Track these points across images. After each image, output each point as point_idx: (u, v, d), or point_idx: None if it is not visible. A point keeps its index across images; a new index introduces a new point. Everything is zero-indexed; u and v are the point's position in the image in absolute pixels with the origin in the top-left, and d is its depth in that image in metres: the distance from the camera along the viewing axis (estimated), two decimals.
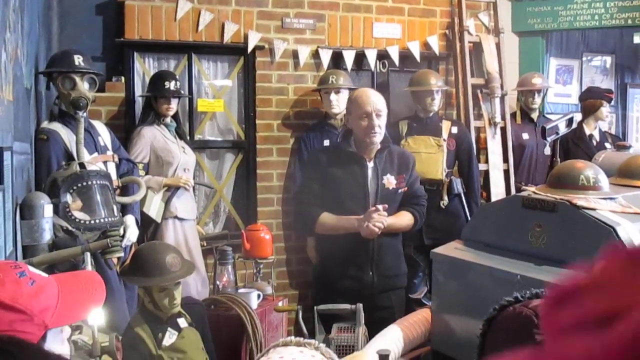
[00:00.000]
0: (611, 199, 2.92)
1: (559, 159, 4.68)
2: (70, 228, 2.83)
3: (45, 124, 3.62)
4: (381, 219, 3.47)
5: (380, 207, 3.46)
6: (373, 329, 3.18)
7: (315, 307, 3.25)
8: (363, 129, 3.55)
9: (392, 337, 3.06)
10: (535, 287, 2.64)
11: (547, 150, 5.35)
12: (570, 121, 4.59)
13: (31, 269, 1.28)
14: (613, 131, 6.64)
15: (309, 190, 3.73)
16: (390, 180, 3.61)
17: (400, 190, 3.65)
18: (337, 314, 3.27)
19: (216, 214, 5.12)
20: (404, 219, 3.67)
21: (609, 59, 6.99)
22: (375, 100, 3.59)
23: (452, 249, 3.22)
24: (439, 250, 3.26)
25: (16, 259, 2.48)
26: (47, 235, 2.61)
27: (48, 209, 2.64)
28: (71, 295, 1.32)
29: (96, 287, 1.43)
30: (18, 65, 2.80)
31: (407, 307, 4.74)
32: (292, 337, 1.66)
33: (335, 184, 3.59)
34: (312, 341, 1.64)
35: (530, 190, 3.09)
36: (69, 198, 2.99)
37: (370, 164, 3.62)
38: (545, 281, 2.66)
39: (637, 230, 2.70)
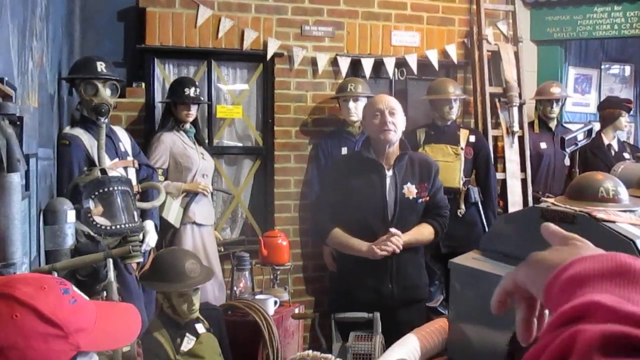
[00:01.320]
0: (631, 211, 2.91)
1: (577, 170, 4.66)
2: (92, 233, 2.86)
3: (67, 129, 3.67)
4: (397, 244, 3.38)
5: (395, 231, 3.38)
6: (391, 341, 3.18)
7: (332, 315, 3.26)
8: (376, 126, 3.44)
9: (409, 346, 3.07)
10: None
11: (567, 161, 5.33)
12: (589, 132, 4.57)
13: (74, 288, 1.28)
14: (632, 141, 6.60)
15: (325, 200, 3.67)
16: (410, 190, 3.47)
17: (421, 200, 3.50)
18: (355, 322, 3.28)
19: (233, 219, 5.15)
20: (425, 233, 3.53)
21: (628, 68, 6.96)
22: (387, 99, 3.55)
23: (470, 259, 3.21)
24: (457, 260, 3.25)
25: (39, 264, 2.51)
26: (70, 241, 2.65)
27: (71, 215, 2.67)
28: (107, 323, 1.31)
29: (133, 320, 1.41)
30: (43, 72, 2.85)
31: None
32: (309, 351, 1.67)
33: (353, 193, 3.47)
34: (329, 356, 1.65)
35: (549, 202, 3.08)
36: (91, 204, 3.02)
37: (390, 172, 3.49)
38: None
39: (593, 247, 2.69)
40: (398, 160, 3.48)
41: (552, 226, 0.94)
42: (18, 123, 1.73)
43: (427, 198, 3.53)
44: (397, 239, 3.39)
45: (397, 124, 3.45)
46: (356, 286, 3.57)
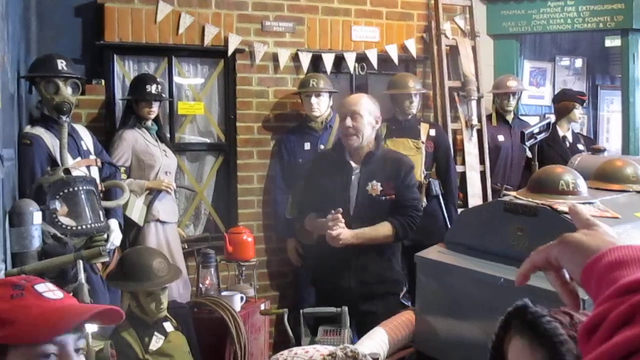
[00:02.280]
0: (590, 203, 3.01)
1: (537, 162, 4.77)
2: (58, 234, 2.83)
3: (27, 129, 3.61)
4: (336, 224, 3.42)
5: (338, 212, 3.43)
6: (359, 334, 3.23)
7: (301, 311, 3.28)
8: (341, 129, 3.63)
9: (378, 339, 3.12)
10: (518, 290, 2.72)
11: (528, 153, 5.45)
12: (547, 126, 4.69)
13: (50, 288, 1.28)
14: (585, 132, 6.78)
15: (304, 196, 3.85)
16: (375, 187, 3.53)
17: (385, 198, 3.54)
18: (323, 317, 3.31)
19: (197, 216, 5.13)
20: (380, 230, 3.52)
21: (580, 61, 7.14)
22: (351, 103, 3.61)
23: (436, 252, 3.28)
24: (422, 253, 3.31)
25: (6, 267, 2.48)
26: (37, 242, 2.62)
27: (37, 216, 2.64)
28: (39, 317, 1.29)
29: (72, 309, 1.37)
30: (5, 72, 2.80)
31: None
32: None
33: (322, 189, 3.61)
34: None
35: (511, 195, 3.16)
36: (57, 204, 2.99)
37: (357, 170, 3.58)
38: (527, 284, 2.74)
39: (615, 234, 2.78)
40: (367, 157, 3.56)
41: (578, 207, 1.08)
42: None
43: (394, 196, 3.55)
44: (337, 219, 3.43)
45: (360, 127, 3.51)
46: (319, 280, 3.73)
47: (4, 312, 1.24)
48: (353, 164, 3.59)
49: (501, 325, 1.57)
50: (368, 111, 3.55)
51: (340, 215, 3.45)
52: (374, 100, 3.70)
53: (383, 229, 3.54)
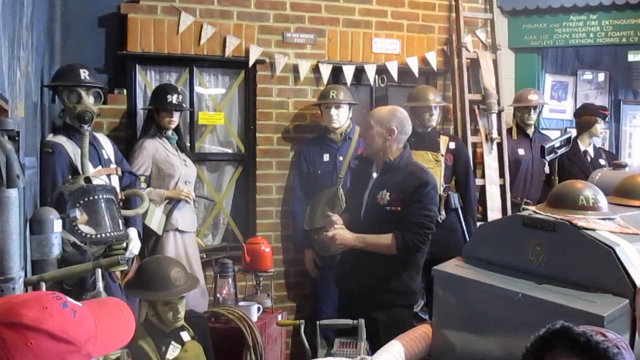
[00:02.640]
0: (610, 219, 2.98)
1: (557, 177, 4.73)
2: (77, 242, 2.85)
3: (50, 137, 3.65)
4: (331, 226, 3.62)
5: (335, 217, 3.67)
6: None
7: (317, 322, 3.29)
8: None
9: (394, 352, 3.10)
10: (536, 305, 2.69)
11: (546, 169, 5.41)
12: (568, 140, 4.65)
13: (68, 299, 1.29)
14: (606, 147, 6.72)
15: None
16: (383, 196, 3.57)
17: (390, 208, 3.56)
18: (339, 329, 3.31)
19: (215, 226, 5.15)
20: (382, 239, 3.55)
21: (602, 75, 7.08)
22: (369, 112, 3.92)
23: (453, 266, 3.26)
24: (440, 267, 3.30)
25: (26, 274, 2.50)
26: (56, 250, 2.64)
27: (57, 224, 2.67)
28: (106, 324, 1.34)
29: (126, 315, 1.44)
30: (29, 81, 2.84)
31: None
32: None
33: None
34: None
35: (530, 210, 3.14)
36: (77, 213, 3.02)
37: (375, 176, 3.69)
38: (545, 300, 2.72)
39: (635, 250, 2.76)
40: (385, 167, 3.65)
41: None
42: (17, 138, 1.73)
43: (398, 208, 3.54)
44: (334, 221, 3.65)
45: (365, 136, 3.74)
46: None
47: None
48: (374, 173, 3.70)
49: (540, 344, 1.57)
50: (379, 122, 3.64)
51: (335, 219, 3.65)
52: (401, 114, 3.72)
53: (384, 239, 3.55)
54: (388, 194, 3.57)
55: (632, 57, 6.61)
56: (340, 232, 3.60)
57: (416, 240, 3.54)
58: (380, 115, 3.69)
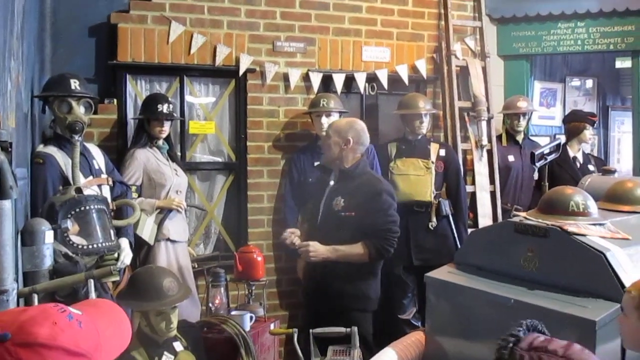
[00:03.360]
0: (600, 224, 3.01)
1: (547, 183, 4.76)
2: (69, 253, 2.84)
3: (40, 148, 3.63)
4: (291, 239, 3.87)
5: (293, 231, 3.93)
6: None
7: (310, 330, 3.29)
8: None
9: None
10: (528, 311, 2.71)
11: (536, 175, 5.44)
12: (557, 146, 4.68)
13: (70, 309, 1.30)
14: (595, 153, 6.77)
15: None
16: (338, 202, 3.78)
17: (345, 214, 3.75)
18: (332, 337, 3.31)
19: (207, 235, 5.14)
20: (355, 249, 3.73)
21: (590, 82, 7.14)
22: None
23: (446, 273, 3.28)
24: (433, 273, 3.31)
25: (17, 286, 2.49)
26: (48, 261, 2.63)
27: (49, 235, 2.66)
28: (106, 329, 1.35)
29: (121, 317, 1.45)
30: (19, 92, 2.83)
31: (396, 328, 4.80)
32: None
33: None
34: None
35: (522, 216, 3.16)
36: (69, 223, 3.01)
37: (332, 183, 3.88)
38: (537, 305, 2.73)
39: (626, 255, 2.78)
40: (341, 175, 3.86)
41: None
42: (10, 149, 1.73)
43: (352, 214, 3.74)
44: (290, 235, 3.92)
45: (327, 144, 3.91)
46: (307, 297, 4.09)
47: None
48: (331, 182, 3.89)
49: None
50: (337, 132, 3.86)
51: (291, 231, 3.97)
52: (358, 126, 3.93)
53: (357, 249, 3.74)
54: (343, 200, 3.77)
55: (619, 63, 6.68)
56: (313, 245, 3.76)
57: (386, 246, 3.74)
58: (338, 126, 3.93)
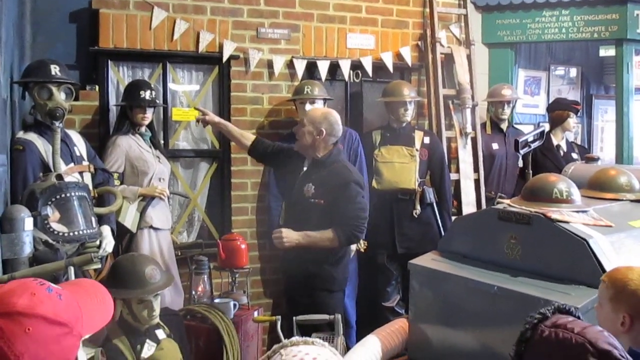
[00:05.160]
0: (583, 211, 3.02)
1: (530, 171, 4.77)
2: (50, 241, 2.81)
3: (20, 134, 3.58)
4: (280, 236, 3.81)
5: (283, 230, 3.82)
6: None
7: (294, 318, 3.28)
8: None
9: (371, 347, 3.11)
10: (511, 298, 2.72)
11: (520, 163, 5.45)
12: (541, 134, 4.69)
13: (50, 283, 1.32)
14: (579, 141, 6.80)
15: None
16: (308, 189, 3.84)
17: (314, 201, 3.81)
18: (316, 324, 3.31)
19: (190, 223, 5.11)
20: (325, 235, 3.78)
21: (574, 70, 7.16)
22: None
23: (429, 260, 3.28)
24: (416, 261, 3.32)
25: None
26: (28, 249, 2.60)
27: (29, 222, 2.62)
28: (87, 304, 1.37)
29: (103, 294, 1.48)
30: None
31: (380, 315, 4.81)
32: (298, 338, 1.67)
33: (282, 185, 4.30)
34: (318, 340, 1.66)
35: (505, 203, 3.16)
36: (49, 211, 2.97)
37: (305, 169, 3.95)
38: (520, 292, 2.74)
39: (608, 242, 2.79)
40: (313, 163, 3.94)
41: None
42: None
43: (322, 201, 3.80)
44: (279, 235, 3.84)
45: (298, 132, 3.99)
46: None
47: None
48: (304, 168, 3.95)
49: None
50: (311, 122, 3.91)
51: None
52: (332, 117, 3.94)
53: (327, 235, 3.78)
54: (313, 187, 3.83)
55: (603, 52, 6.70)
56: (286, 232, 3.80)
57: (355, 231, 3.81)
58: (313, 115, 3.95)
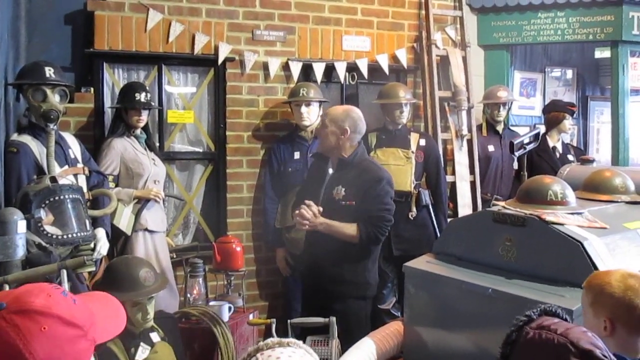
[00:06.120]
0: (578, 213, 3.01)
1: (526, 173, 4.76)
2: (43, 243, 2.79)
3: (14, 136, 3.57)
4: (308, 211, 3.63)
5: (311, 204, 3.65)
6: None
7: (289, 321, 3.27)
8: None
9: (366, 350, 3.10)
10: (506, 300, 2.71)
11: (515, 165, 5.45)
12: (537, 136, 4.69)
13: (66, 289, 1.35)
14: (575, 143, 6.80)
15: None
16: (339, 192, 3.72)
17: (344, 203, 3.69)
18: (311, 327, 3.30)
19: (186, 225, 5.10)
20: (346, 228, 3.65)
21: (570, 72, 7.17)
22: (327, 111, 3.99)
23: (424, 263, 3.27)
24: (411, 263, 3.31)
25: None
26: (21, 252, 2.58)
27: (21, 225, 2.60)
28: (100, 312, 1.38)
29: (115, 305, 1.49)
30: None
31: (376, 318, 4.79)
32: (273, 339, 1.67)
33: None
34: (293, 340, 1.66)
35: (500, 205, 3.16)
36: (42, 213, 2.96)
37: (331, 172, 3.82)
38: (515, 294, 2.73)
39: (603, 244, 2.79)
40: (340, 164, 3.79)
41: None
42: None
43: (353, 202, 3.68)
44: (310, 207, 3.65)
45: (320, 133, 3.86)
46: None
47: None
48: (330, 170, 3.82)
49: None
50: (333, 122, 3.78)
51: (312, 204, 3.67)
52: (355, 114, 3.86)
53: (349, 228, 3.66)
54: (343, 189, 3.72)
55: (599, 54, 6.71)
56: (312, 215, 3.64)
57: (377, 233, 3.67)
58: (334, 114, 3.82)
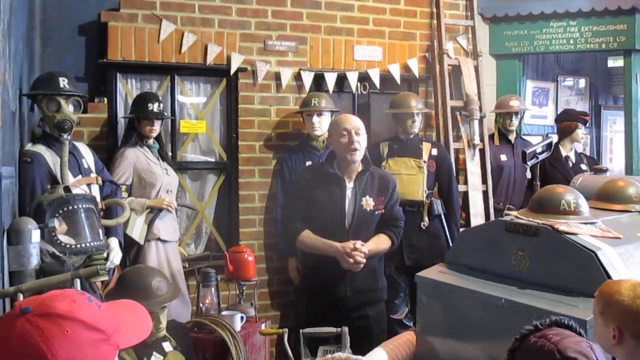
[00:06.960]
0: (591, 223, 2.99)
1: (538, 182, 4.74)
2: (56, 253, 2.81)
3: (29, 146, 3.60)
4: (360, 254, 3.62)
5: (358, 243, 3.62)
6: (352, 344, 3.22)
7: (300, 331, 3.26)
8: (343, 145, 3.72)
9: None
10: (519, 311, 2.69)
11: (528, 174, 5.43)
12: (549, 145, 4.67)
13: (89, 294, 1.39)
14: (588, 152, 6.77)
15: (293, 206, 3.93)
16: (368, 202, 3.74)
17: (377, 212, 3.77)
18: (323, 337, 3.29)
19: (198, 235, 5.12)
20: (382, 242, 3.78)
21: (582, 81, 7.15)
22: (353, 120, 3.81)
23: (436, 272, 3.26)
24: (423, 273, 3.29)
25: (2, 285, 2.47)
26: (35, 261, 2.60)
27: (35, 234, 2.63)
28: (125, 319, 1.41)
29: (142, 312, 1.53)
30: (6, 89, 2.80)
31: (388, 327, 4.77)
32: (340, 354, 1.70)
33: (316, 203, 3.75)
34: (360, 357, 1.69)
35: (512, 215, 3.14)
36: (56, 222, 2.98)
37: (350, 185, 3.76)
38: (528, 305, 2.72)
39: (617, 254, 2.77)
40: (360, 174, 3.77)
41: None
42: None
43: (383, 210, 3.79)
44: (360, 254, 3.63)
45: (362, 142, 3.75)
46: (315, 293, 3.85)
47: None
48: (346, 180, 3.76)
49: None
50: (361, 129, 3.78)
51: (358, 243, 3.62)
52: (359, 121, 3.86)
53: (384, 241, 3.79)
54: (371, 199, 3.75)
55: (611, 62, 6.68)
56: (359, 254, 3.63)
57: (401, 234, 3.89)
58: (357, 123, 3.78)
